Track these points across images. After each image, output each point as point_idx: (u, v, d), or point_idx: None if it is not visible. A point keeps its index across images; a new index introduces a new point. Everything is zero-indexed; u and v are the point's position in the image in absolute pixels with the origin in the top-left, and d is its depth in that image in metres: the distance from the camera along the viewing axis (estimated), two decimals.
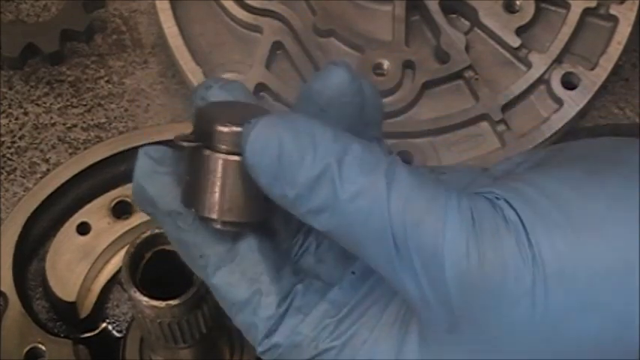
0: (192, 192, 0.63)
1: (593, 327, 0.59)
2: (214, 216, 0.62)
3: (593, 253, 0.59)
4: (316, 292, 0.65)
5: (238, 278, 0.64)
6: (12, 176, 0.96)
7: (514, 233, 0.59)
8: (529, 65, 0.98)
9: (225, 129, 0.62)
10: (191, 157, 0.63)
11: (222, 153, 0.62)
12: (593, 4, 1.00)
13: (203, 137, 0.62)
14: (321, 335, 0.63)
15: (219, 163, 0.62)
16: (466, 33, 0.99)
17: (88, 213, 0.88)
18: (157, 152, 0.66)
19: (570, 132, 0.98)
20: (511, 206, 0.60)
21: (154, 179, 0.65)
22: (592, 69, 0.98)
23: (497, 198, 0.61)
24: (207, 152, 0.62)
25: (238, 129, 0.61)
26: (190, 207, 0.63)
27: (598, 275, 0.59)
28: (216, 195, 0.62)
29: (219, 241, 0.64)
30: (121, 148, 0.91)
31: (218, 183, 0.62)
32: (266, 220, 0.65)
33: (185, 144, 0.63)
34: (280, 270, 0.65)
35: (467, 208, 0.60)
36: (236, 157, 0.62)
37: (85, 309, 0.87)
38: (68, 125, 0.99)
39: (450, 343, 0.61)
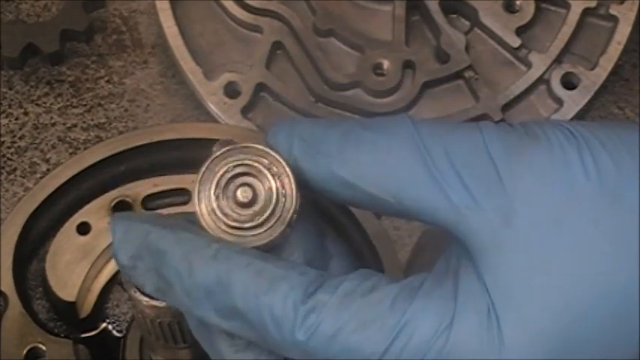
0: None
1: None
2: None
3: (630, 139, 0.59)
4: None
5: (256, 254, 0.60)
6: (12, 176, 0.97)
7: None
8: (529, 65, 0.98)
9: None
10: None
11: None
12: (593, 4, 1.00)
13: None
14: (379, 284, 0.60)
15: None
16: (466, 33, 0.99)
17: (88, 213, 0.88)
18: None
19: None
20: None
21: (136, 220, 0.62)
22: (592, 69, 0.98)
23: None
24: None
25: None
26: None
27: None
28: None
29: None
30: (121, 148, 0.91)
31: None
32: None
33: None
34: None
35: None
36: None
37: (85, 309, 0.87)
38: (68, 125, 0.99)
39: (510, 239, 0.58)
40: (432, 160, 0.59)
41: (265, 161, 0.61)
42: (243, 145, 0.61)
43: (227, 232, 0.61)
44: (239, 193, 0.61)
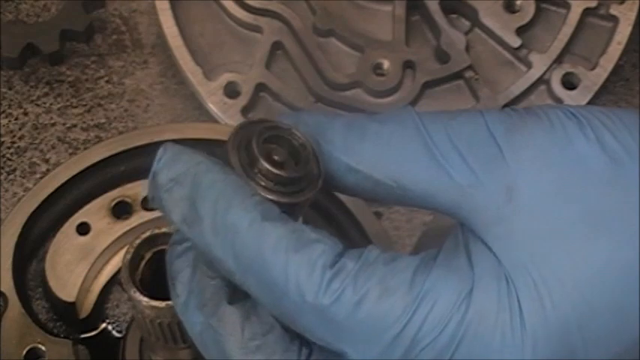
0: None
1: None
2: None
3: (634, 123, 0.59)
4: None
5: (291, 220, 0.60)
6: (12, 176, 0.96)
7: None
8: (529, 65, 0.98)
9: None
10: None
11: None
12: (593, 4, 1.00)
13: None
14: (399, 255, 0.60)
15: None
16: (466, 33, 0.99)
17: (87, 213, 0.88)
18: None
19: None
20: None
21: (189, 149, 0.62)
22: (592, 69, 0.98)
23: None
24: None
25: None
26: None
27: None
28: None
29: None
30: (121, 148, 0.91)
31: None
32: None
33: None
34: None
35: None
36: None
37: (85, 309, 0.87)
38: (68, 125, 0.99)
39: (513, 213, 0.59)
40: (434, 143, 0.60)
41: (290, 126, 0.62)
42: (262, 118, 0.62)
43: (260, 193, 0.60)
44: (273, 153, 0.61)
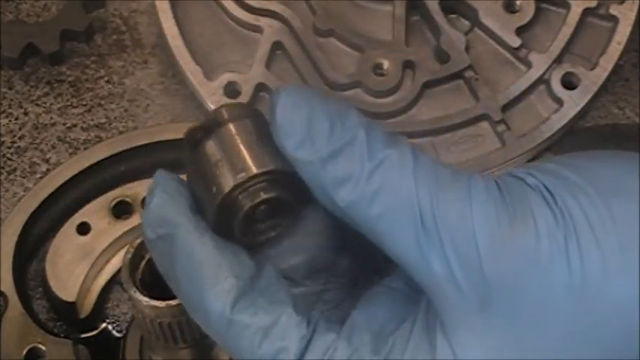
0: (209, 184, 0.61)
1: (630, 290, 0.57)
2: (244, 174, 0.60)
3: (620, 212, 0.58)
4: (339, 314, 0.63)
5: (263, 304, 0.60)
6: (12, 176, 0.96)
7: (540, 194, 0.59)
8: (529, 65, 0.98)
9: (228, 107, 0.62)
10: (199, 153, 0.61)
11: (234, 121, 0.61)
12: (593, 4, 1.00)
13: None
14: (361, 350, 0.60)
15: (232, 128, 0.61)
16: (466, 33, 0.99)
17: (88, 213, 0.88)
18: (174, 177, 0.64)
19: (570, 132, 0.98)
20: (532, 175, 0.60)
21: (176, 200, 0.62)
22: (592, 69, 0.98)
23: (516, 174, 0.61)
24: (217, 130, 0.61)
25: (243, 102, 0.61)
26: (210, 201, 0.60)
27: (629, 235, 0.58)
28: (242, 155, 0.60)
29: (245, 264, 0.62)
30: (121, 148, 0.91)
31: (239, 146, 0.60)
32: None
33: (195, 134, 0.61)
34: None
35: (490, 179, 0.60)
36: (247, 121, 0.61)
37: (85, 309, 0.87)
38: (68, 125, 0.99)
39: (483, 325, 0.58)
40: (422, 221, 0.58)
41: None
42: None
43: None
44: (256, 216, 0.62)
